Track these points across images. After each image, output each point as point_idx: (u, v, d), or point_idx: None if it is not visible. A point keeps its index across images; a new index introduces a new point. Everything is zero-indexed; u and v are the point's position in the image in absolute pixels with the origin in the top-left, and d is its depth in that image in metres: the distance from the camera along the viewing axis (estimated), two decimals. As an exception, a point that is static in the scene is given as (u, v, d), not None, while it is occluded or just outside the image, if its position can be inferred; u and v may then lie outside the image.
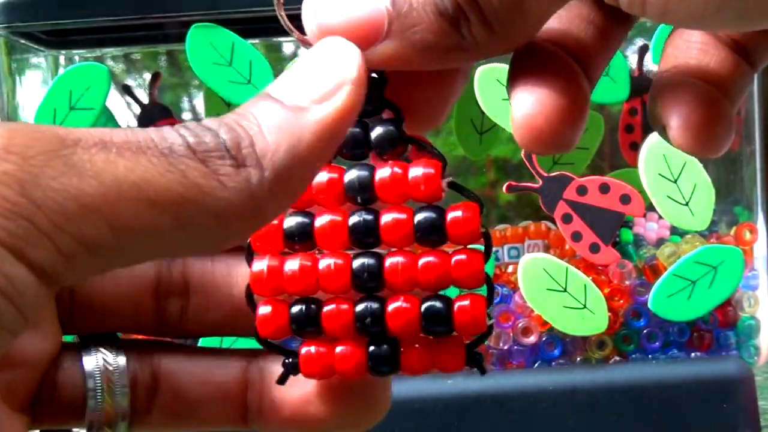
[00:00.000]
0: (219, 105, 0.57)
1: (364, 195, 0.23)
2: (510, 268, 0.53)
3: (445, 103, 0.25)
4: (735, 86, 0.24)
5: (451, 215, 0.23)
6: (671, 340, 0.52)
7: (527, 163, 0.51)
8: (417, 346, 0.23)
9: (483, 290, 0.24)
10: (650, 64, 0.57)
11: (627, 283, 0.52)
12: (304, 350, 0.24)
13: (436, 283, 0.23)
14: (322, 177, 0.23)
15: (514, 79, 0.24)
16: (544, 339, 0.51)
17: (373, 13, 0.22)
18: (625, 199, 0.50)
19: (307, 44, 0.23)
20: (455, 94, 0.25)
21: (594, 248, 0.51)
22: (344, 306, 0.23)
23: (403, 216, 0.23)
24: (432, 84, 0.24)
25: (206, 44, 0.50)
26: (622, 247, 0.53)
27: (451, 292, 0.23)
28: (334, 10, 0.22)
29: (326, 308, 0.23)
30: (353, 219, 0.23)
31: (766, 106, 0.55)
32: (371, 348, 0.23)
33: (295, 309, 0.24)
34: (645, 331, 0.52)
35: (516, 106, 0.23)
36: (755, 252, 0.54)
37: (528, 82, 0.24)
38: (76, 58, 0.61)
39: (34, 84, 0.58)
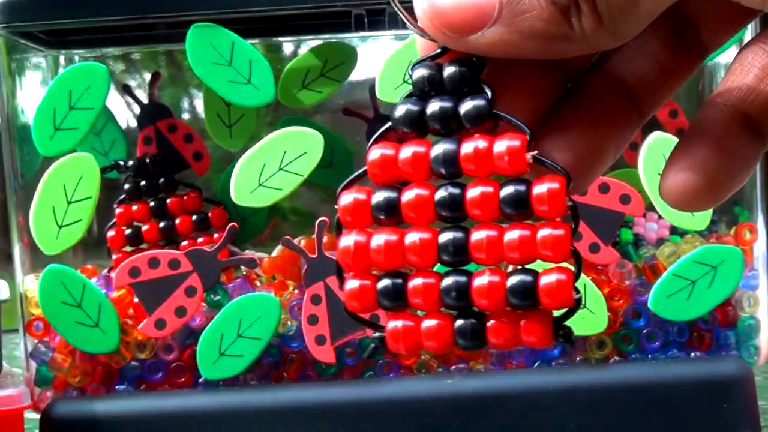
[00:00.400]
0: (219, 105, 0.57)
1: (450, 169, 0.23)
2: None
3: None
4: None
5: (536, 189, 0.23)
6: (671, 340, 0.52)
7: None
8: (504, 320, 0.23)
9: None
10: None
11: (627, 283, 0.52)
12: (390, 325, 0.24)
13: (521, 257, 0.23)
14: (408, 151, 0.24)
15: (556, 113, 0.25)
16: (543, 339, 0.51)
17: None
18: (625, 198, 0.50)
19: (419, 29, 0.24)
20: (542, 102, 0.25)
21: (594, 248, 0.51)
22: (430, 280, 0.23)
23: (489, 189, 0.23)
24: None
25: (206, 44, 0.50)
26: (622, 247, 0.53)
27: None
28: None
29: (412, 282, 0.23)
30: (439, 193, 0.23)
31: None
32: (458, 323, 0.23)
33: (382, 284, 0.24)
34: (645, 331, 0.52)
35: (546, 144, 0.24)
36: (755, 252, 0.54)
37: (560, 124, 0.25)
38: (76, 58, 0.61)
39: (34, 84, 0.58)
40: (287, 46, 0.65)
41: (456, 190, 0.23)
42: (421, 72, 0.24)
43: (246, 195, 0.50)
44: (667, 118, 0.59)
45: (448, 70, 0.24)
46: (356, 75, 0.56)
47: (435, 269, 0.24)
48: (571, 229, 0.23)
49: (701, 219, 0.51)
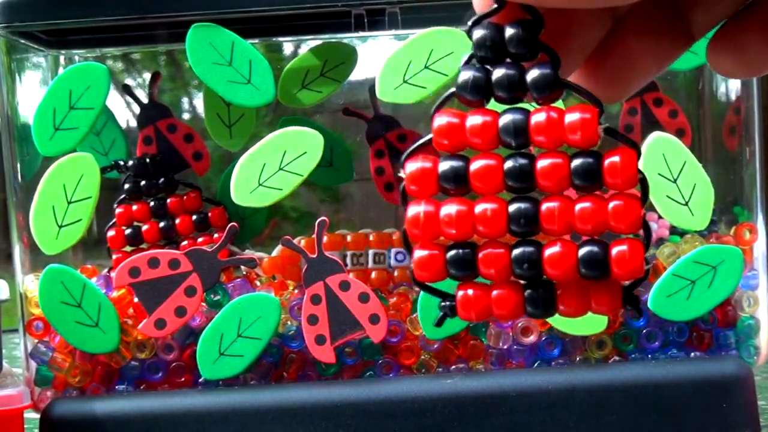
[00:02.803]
0: (219, 105, 0.57)
1: (519, 139, 0.23)
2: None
3: (584, 51, 0.25)
4: None
5: (608, 161, 0.23)
6: (671, 339, 0.52)
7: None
8: (573, 289, 0.23)
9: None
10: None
11: (627, 283, 0.52)
12: (460, 293, 0.24)
13: (593, 228, 0.23)
14: (477, 120, 0.23)
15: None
16: (543, 339, 0.51)
17: None
18: (625, 199, 0.50)
19: None
20: (593, 42, 0.25)
21: (594, 248, 0.51)
22: (500, 250, 0.23)
23: (559, 161, 0.23)
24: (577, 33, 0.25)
25: (206, 44, 0.50)
26: (622, 247, 0.53)
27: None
28: None
29: (482, 253, 0.24)
30: (509, 163, 0.23)
31: (766, 106, 0.55)
32: (528, 291, 0.24)
33: (452, 253, 0.24)
34: (644, 331, 0.52)
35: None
36: (755, 252, 0.54)
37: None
38: (76, 57, 0.61)
39: (34, 84, 0.58)
40: (287, 46, 0.65)
41: (526, 161, 0.23)
42: (481, 33, 0.24)
43: (246, 195, 0.50)
44: (666, 118, 0.59)
45: (509, 32, 0.23)
46: (356, 75, 0.56)
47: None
48: (640, 201, 0.23)
49: (701, 219, 0.51)
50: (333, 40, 0.57)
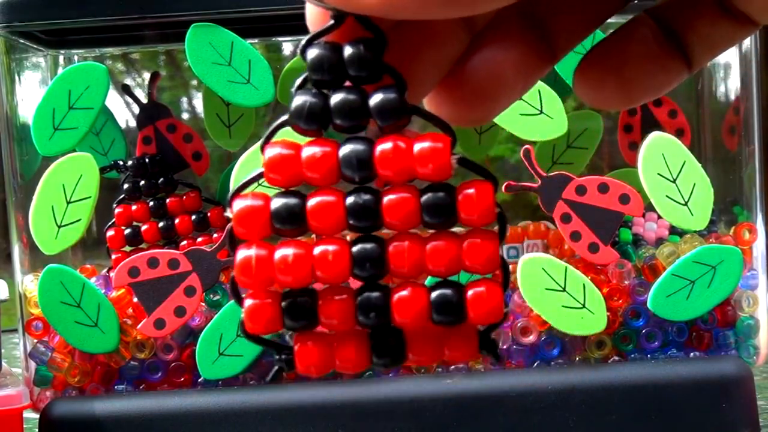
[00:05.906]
0: (218, 105, 0.57)
1: (363, 172, 0.21)
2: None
3: (439, 70, 0.23)
4: None
5: (462, 194, 0.21)
6: (670, 339, 0.52)
7: (526, 163, 0.51)
8: (425, 336, 0.21)
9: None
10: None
11: (626, 282, 0.52)
12: (298, 346, 0.22)
13: (446, 269, 0.21)
14: (313, 151, 0.21)
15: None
16: (543, 339, 0.51)
17: None
18: (624, 198, 0.50)
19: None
20: (450, 60, 0.23)
21: (593, 248, 0.51)
22: (343, 297, 0.21)
23: (407, 195, 0.21)
24: (427, 48, 0.23)
25: (205, 44, 0.50)
26: (621, 247, 0.53)
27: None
28: None
29: (323, 300, 0.21)
30: (351, 199, 0.21)
31: (766, 106, 0.55)
32: (374, 341, 0.21)
33: (287, 301, 0.21)
34: (644, 331, 0.52)
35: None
36: (754, 252, 0.54)
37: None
38: (76, 57, 0.61)
39: (33, 83, 0.58)
40: (287, 46, 0.65)
41: (369, 196, 0.21)
42: (316, 53, 0.21)
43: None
44: (666, 118, 0.59)
45: (348, 51, 0.21)
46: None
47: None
48: (497, 237, 0.21)
49: (700, 219, 0.51)
50: (332, 40, 0.57)
